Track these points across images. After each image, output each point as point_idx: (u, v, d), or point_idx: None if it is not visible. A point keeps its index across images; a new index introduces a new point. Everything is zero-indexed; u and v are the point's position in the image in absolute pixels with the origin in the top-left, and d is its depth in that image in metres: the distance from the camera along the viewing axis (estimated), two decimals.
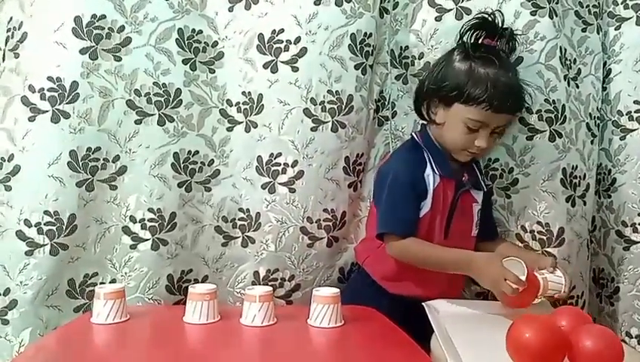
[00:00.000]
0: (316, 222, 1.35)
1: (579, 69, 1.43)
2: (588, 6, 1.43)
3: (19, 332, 1.20)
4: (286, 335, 1.12)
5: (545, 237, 1.39)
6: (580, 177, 1.40)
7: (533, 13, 1.35)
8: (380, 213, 1.31)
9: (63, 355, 1.02)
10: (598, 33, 1.44)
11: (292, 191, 1.34)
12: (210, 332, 1.11)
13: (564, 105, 1.37)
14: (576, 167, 1.40)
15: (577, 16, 1.43)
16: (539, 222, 1.39)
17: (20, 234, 1.19)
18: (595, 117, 1.45)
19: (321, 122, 1.34)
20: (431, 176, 1.30)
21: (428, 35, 1.40)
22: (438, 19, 1.40)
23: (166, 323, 1.16)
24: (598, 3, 1.44)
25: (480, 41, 1.31)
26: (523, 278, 1.13)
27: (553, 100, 1.36)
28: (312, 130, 1.33)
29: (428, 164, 1.31)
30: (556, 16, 1.36)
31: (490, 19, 1.31)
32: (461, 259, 1.25)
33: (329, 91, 1.33)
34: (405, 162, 1.33)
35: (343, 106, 1.34)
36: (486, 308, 1.27)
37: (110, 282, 1.28)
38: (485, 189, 1.37)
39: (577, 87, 1.42)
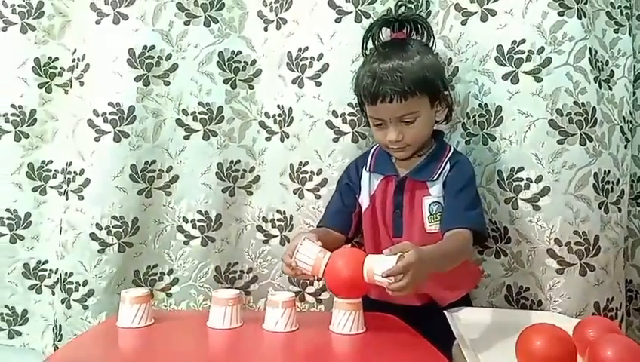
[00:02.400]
0: None
1: (612, 70, 1.36)
2: (620, 7, 1.35)
3: (96, 315, 1.45)
4: (308, 341, 1.15)
5: (583, 248, 1.33)
6: (612, 183, 1.35)
7: (560, 14, 1.31)
8: None
9: (89, 359, 1.07)
10: (630, 35, 1.35)
11: (317, 197, 1.45)
12: (232, 337, 1.16)
13: (594, 108, 1.32)
14: (609, 172, 1.34)
15: (609, 17, 1.36)
16: (576, 232, 1.33)
17: (93, 236, 1.43)
18: (628, 121, 1.37)
19: (342, 133, 1.43)
20: (367, 175, 1.34)
21: (454, 40, 1.42)
22: (463, 23, 1.41)
23: (190, 328, 1.22)
24: (630, 4, 1.34)
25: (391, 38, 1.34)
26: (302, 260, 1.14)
27: (582, 103, 1.31)
28: (333, 140, 1.43)
29: (366, 164, 1.36)
30: (585, 16, 1.31)
31: (388, 15, 1.37)
32: None
33: (349, 104, 1.42)
34: (349, 166, 1.41)
35: (363, 118, 1.41)
36: (508, 316, 1.29)
37: (168, 272, 1.50)
38: (436, 178, 1.28)
39: (610, 89, 1.36)
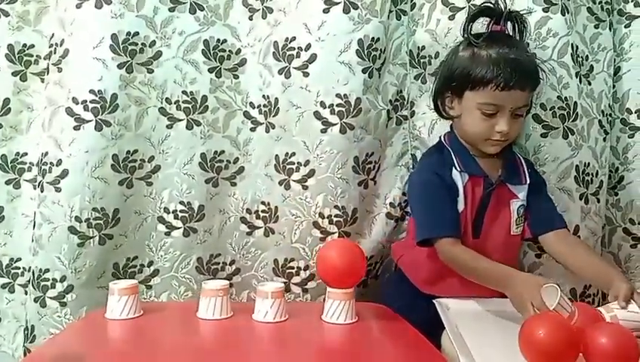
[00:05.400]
0: (327, 217, 1.45)
1: (591, 65, 1.42)
2: (600, 2, 1.42)
3: (76, 311, 1.40)
4: (300, 331, 1.16)
5: None
6: (592, 174, 1.41)
7: (545, 10, 1.36)
8: (417, 222, 1.33)
9: (78, 350, 1.04)
10: (610, 30, 1.41)
11: (305, 188, 1.45)
12: (223, 328, 1.16)
13: (575, 103, 1.38)
14: (589, 164, 1.40)
15: (590, 12, 1.41)
16: None
17: (72, 229, 1.37)
18: (607, 114, 1.43)
19: (330, 124, 1.42)
20: (458, 175, 1.30)
21: (442, 34, 1.44)
22: (451, 18, 1.44)
23: (180, 319, 1.22)
24: (610, 0, 1.40)
25: (488, 30, 1.29)
26: (551, 307, 1.00)
27: (565, 97, 1.37)
28: (321, 131, 1.43)
29: (454, 163, 1.31)
30: (568, 12, 1.36)
31: (492, 5, 1.29)
32: (502, 275, 1.17)
33: (337, 95, 1.42)
34: (431, 166, 1.34)
35: (351, 109, 1.42)
36: (498, 305, 1.28)
37: (148, 264, 1.47)
38: (526, 182, 1.31)
39: (589, 84, 1.41)
